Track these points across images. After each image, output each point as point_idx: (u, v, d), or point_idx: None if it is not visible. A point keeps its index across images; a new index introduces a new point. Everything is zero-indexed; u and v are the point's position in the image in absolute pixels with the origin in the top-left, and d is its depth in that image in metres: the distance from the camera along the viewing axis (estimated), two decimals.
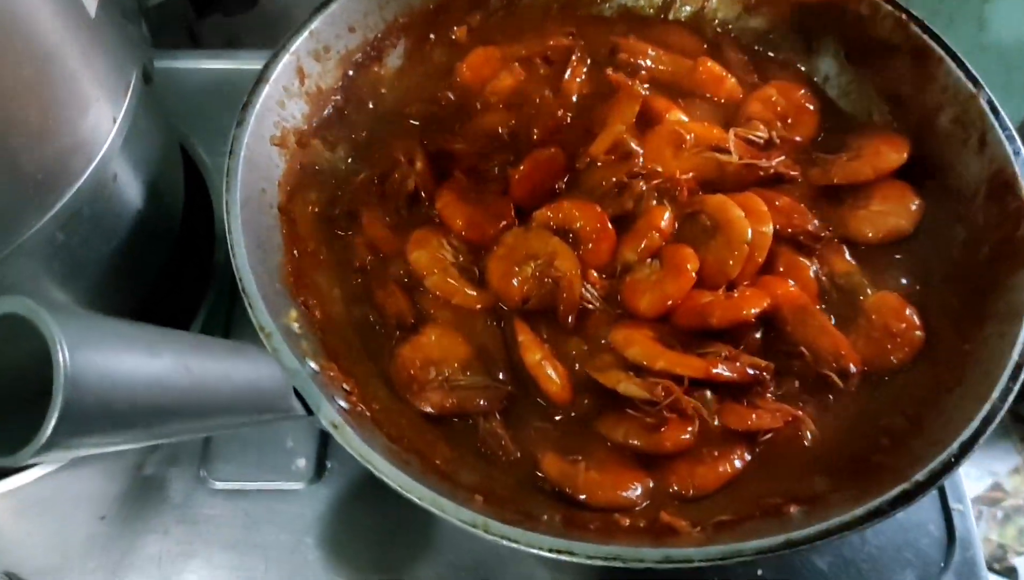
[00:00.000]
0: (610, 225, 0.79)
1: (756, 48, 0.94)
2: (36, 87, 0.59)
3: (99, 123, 0.67)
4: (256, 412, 0.57)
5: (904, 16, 0.84)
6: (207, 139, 1.01)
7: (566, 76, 0.90)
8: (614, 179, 0.82)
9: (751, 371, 0.72)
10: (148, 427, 0.49)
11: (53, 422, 0.41)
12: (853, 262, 0.79)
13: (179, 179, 0.88)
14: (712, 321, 0.73)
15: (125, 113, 0.70)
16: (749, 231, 0.77)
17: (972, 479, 1.79)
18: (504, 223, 0.80)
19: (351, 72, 0.87)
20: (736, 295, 0.75)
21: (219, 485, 0.80)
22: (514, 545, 0.58)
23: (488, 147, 0.86)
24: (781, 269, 0.78)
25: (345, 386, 0.69)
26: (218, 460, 0.81)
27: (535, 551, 0.58)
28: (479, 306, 0.78)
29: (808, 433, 0.71)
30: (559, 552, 0.58)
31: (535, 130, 0.86)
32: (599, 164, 0.84)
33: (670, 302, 0.75)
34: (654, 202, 0.81)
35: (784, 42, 0.93)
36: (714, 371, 0.71)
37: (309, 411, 0.62)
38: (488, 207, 0.82)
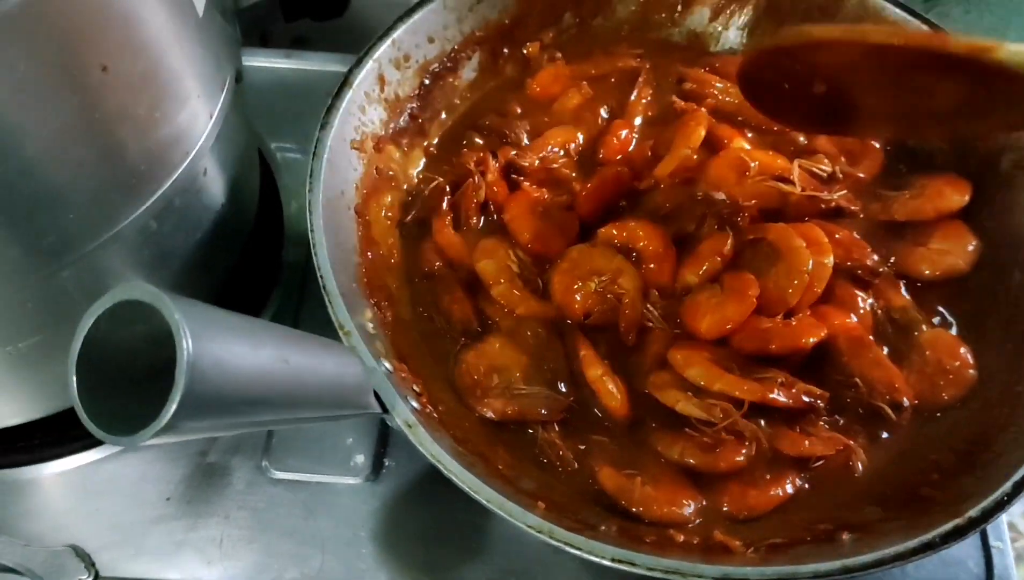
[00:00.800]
0: (672, 247, 0.82)
1: None
2: (148, 80, 0.61)
3: (197, 118, 0.69)
4: (339, 406, 0.60)
5: None
6: (276, 139, 1.04)
7: (632, 98, 0.92)
8: (677, 201, 0.84)
9: (806, 398, 0.73)
10: (250, 414, 0.51)
11: (175, 406, 0.44)
12: (909, 298, 0.81)
13: (256, 178, 0.91)
14: (772, 346, 0.75)
15: (219, 110, 0.73)
16: (810, 261, 0.78)
17: None
18: (569, 238, 0.83)
19: (427, 81, 0.90)
20: (794, 323, 0.77)
21: (280, 475, 0.83)
22: (577, 552, 0.60)
23: (556, 162, 0.88)
24: (838, 300, 0.80)
25: (415, 387, 0.71)
26: (280, 451, 0.83)
27: (597, 559, 0.60)
28: (543, 317, 0.80)
29: (859, 463, 0.72)
30: (620, 562, 0.60)
31: (600, 149, 0.88)
32: (662, 186, 0.86)
33: (730, 326, 0.77)
34: (715, 227, 0.83)
35: None
36: (771, 396, 0.73)
37: (385, 409, 0.64)
38: (554, 221, 0.84)
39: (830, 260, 0.79)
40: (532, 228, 0.83)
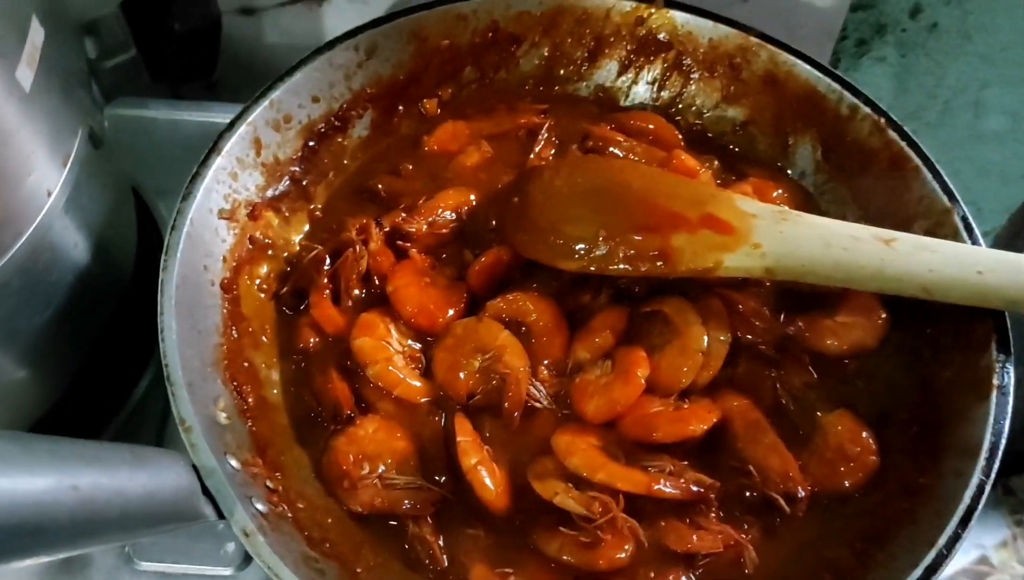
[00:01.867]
0: (564, 321, 0.77)
1: (731, 139, 0.92)
2: None
3: (32, 196, 0.65)
4: (157, 524, 0.54)
5: (883, 120, 0.81)
6: (166, 192, 0.98)
7: (531, 156, 0.88)
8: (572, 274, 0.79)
9: (695, 488, 0.69)
10: (25, 551, 0.46)
11: None
12: (814, 375, 0.77)
13: (131, 235, 0.86)
14: (656, 436, 0.70)
15: (64, 182, 0.68)
16: (705, 339, 0.74)
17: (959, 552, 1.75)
18: (455, 311, 0.78)
19: (312, 143, 0.85)
20: (686, 407, 0.72)
21: (145, 566, 0.77)
22: None
23: (448, 227, 0.83)
24: (739, 378, 0.76)
25: (269, 483, 0.66)
26: (145, 539, 0.78)
27: None
28: (423, 399, 0.75)
29: (749, 560, 0.68)
30: None
31: (492, 216, 0.83)
32: None
33: (618, 409, 0.72)
34: (611, 298, 0.78)
35: (761, 135, 0.91)
36: (656, 487, 0.68)
37: (221, 515, 0.59)
38: (442, 294, 0.79)
39: (727, 337, 0.75)
40: (416, 301, 0.78)
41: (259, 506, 0.62)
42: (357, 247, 0.79)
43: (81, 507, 0.47)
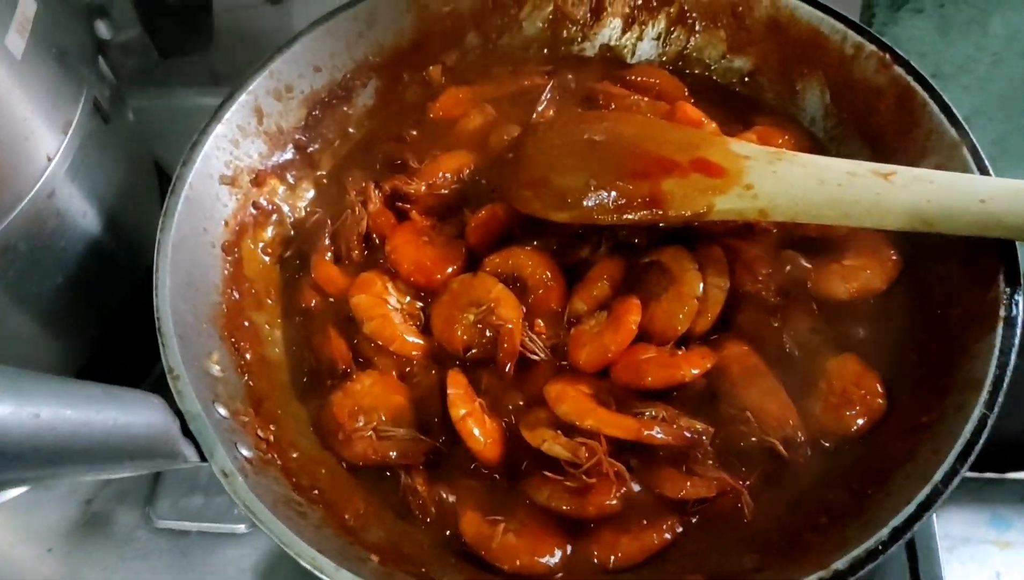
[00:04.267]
0: (561, 274, 0.76)
1: (740, 89, 0.90)
2: None
3: (30, 158, 0.68)
4: (128, 459, 0.56)
5: (888, 56, 0.78)
6: None
7: (534, 116, 0.87)
8: (574, 227, 0.79)
9: (688, 434, 0.67)
10: None
11: None
12: (819, 319, 0.74)
13: (152, 209, 0.89)
14: (647, 380, 0.69)
15: (65, 148, 0.71)
16: (700, 285, 0.72)
17: None
18: (453, 268, 0.78)
19: (316, 111, 0.87)
20: (680, 354, 0.70)
21: (163, 524, 0.80)
22: None
23: (448, 188, 0.84)
24: (739, 327, 0.74)
25: (260, 432, 0.67)
26: (164, 499, 0.81)
27: None
28: (419, 354, 0.75)
29: (746, 507, 0.65)
30: None
31: (492, 177, 0.83)
32: None
33: (609, 355, 0.71)
34: (611, 250, 0.77)
35: (769, 83, 0.88)
36: (646, 433, 0.66)
37: (203, 458, 0.61)
38: (439, 251, 0.79)
39: (725, 282, 0.73)
40: (412, 259, 0.79)
41: (244, 451, 0.64)
42: (356, 209, 0.81)
43: (43, 434, 0.49)
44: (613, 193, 0.73)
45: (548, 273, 0.76)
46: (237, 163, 0.80)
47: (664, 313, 0.72)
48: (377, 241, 0.81)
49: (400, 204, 0.82)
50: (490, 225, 0.80)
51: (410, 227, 0.81)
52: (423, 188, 0.83)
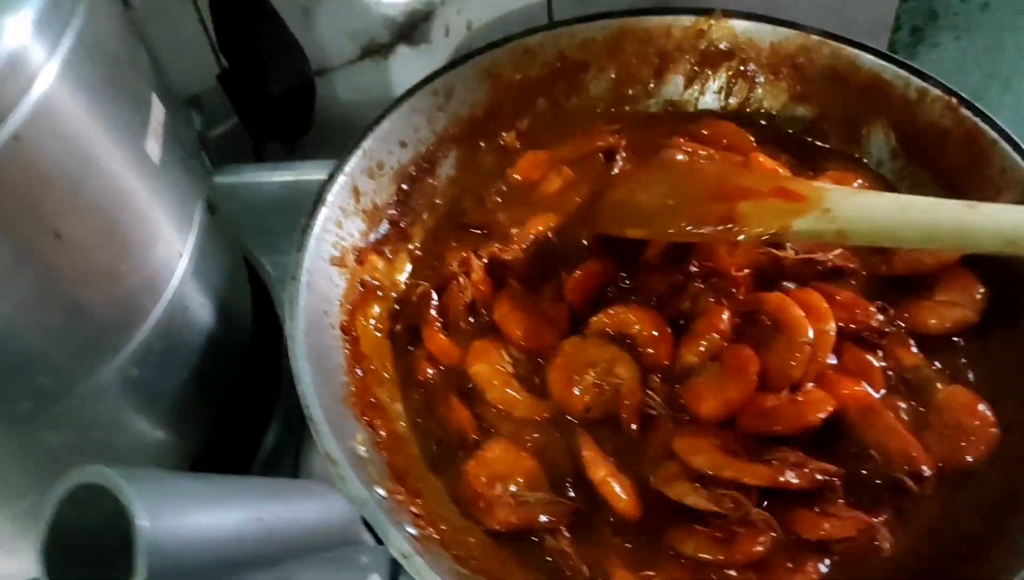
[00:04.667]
0: (667, 328, 0.79)
1: (807, 138, 0.94)
2: (105, 237, 0.61)
3: (167, 260, 0.69)
4: (326, 549, 0.58)
5: (954, 100, 0.83)
6: (268, 250, 1.03)
7: (615, 169, 0.91)
8: (669, 281, 0.82)
9: (820, 477, 0.70)
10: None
11: None
12: (921, 355, 0.78)
13: (246, 295, 0.91)
14: (777, 427, 0.72)
15: (192, 247, 0.73)
16: (810, 331, 0.76)
17: None
18: (559, 331, 0.81)
19: (405, 186, 0.89)
20: (801, 399, 0.74)
21: None
22: None
23: (540, 252, 0.87)
24: (846, 367, 0.77)
25: (413, 509, 0.69)
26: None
27: None
28: (542, 417, 0.77)
29: (885, 542, 0.68)
30: None
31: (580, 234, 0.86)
32: (654, 265, 0.84)
33: (734, 406, 0.74)
34: (711, 302, 0.80)
35: (833, 129, 0.93)
36: (781, 479, 0.69)
37: (379, 541, 0.62)
38: (545, 315, 0.82)
39: (832, 327, 0.76)
40: (522, 325, 0.81)
41: (409, 530, 0.65)
42: (460, 279, 0.83)
43: (268, 536, 0.51)
44: (690, 209, 0.76)
45: (655, 328, 0.79)
46: (343, 243, 0.82)
47: (779, 360, 0.75)
48: (482, 309, 0.83)
49: (498, 271, 0.84)
50: (588, 283, 0.83)
51: (512, 293, 0.83)
52: (519, 254, 0.85)
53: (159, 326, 0.70)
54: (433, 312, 0.83)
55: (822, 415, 0.72)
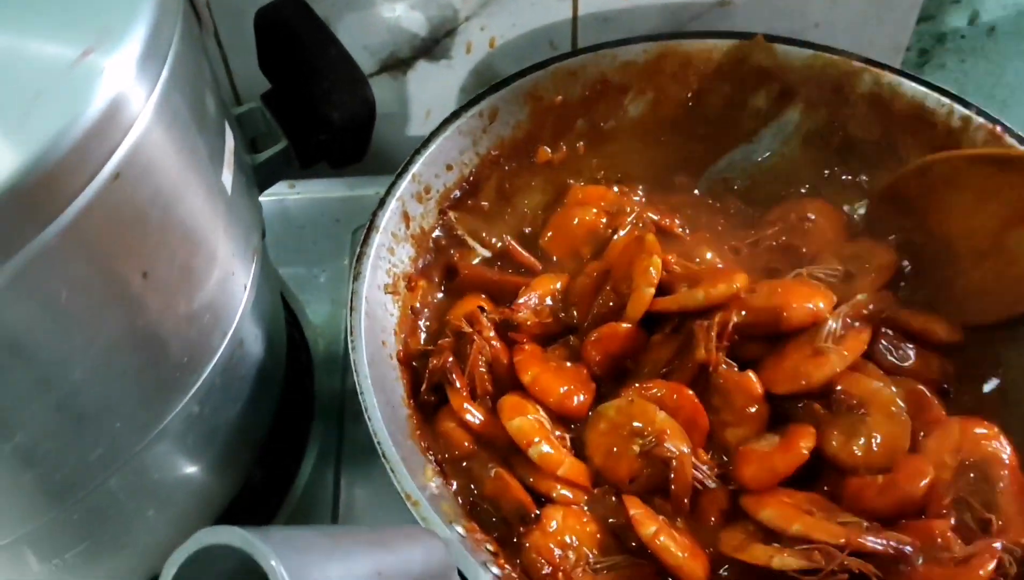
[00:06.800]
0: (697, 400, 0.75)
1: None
2: (187, 273, 0.58)
3: (234, 294, 0.66)
4: None
5: (998, 128, 0.84)
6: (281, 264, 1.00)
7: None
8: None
9: (896, 545, 0.66)
10: None
11: None
12: None
13: (282, 322, 0.88)
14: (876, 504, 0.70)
15: (252, 279, 0.70)
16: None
17: None
18: (586, 396, 0.77)
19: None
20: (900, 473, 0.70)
21: None
22: None
23: (547, 316, 0.83)
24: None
25: (489, 546, 0.67)
26: None
27: None
28: (583, 479, 0.73)
29: None
30: None
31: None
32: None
33: (776, 478, 0.71)
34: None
35: (873, 155, 0.93)
36: (859, 540, 0.65)
37: None
38: (573, 378, 0.78)
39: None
40: (555, 387, 0.76)
41: (493, 569, 0.63)
42: (477, 339, 0.77)
43: None
44: None
45: (691, 405, 0.75)
46: (395, 270, 0.80)
47: (888, 435, 0.72)
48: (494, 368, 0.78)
49: (511, 333, 0.80)
50: (610, 347, 0.78)
51: (535, 353, 0.79)
52: (532, 315, 0.81)
53: (220, 361, 0.67)
54: (458, 383, 0.76)
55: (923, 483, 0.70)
